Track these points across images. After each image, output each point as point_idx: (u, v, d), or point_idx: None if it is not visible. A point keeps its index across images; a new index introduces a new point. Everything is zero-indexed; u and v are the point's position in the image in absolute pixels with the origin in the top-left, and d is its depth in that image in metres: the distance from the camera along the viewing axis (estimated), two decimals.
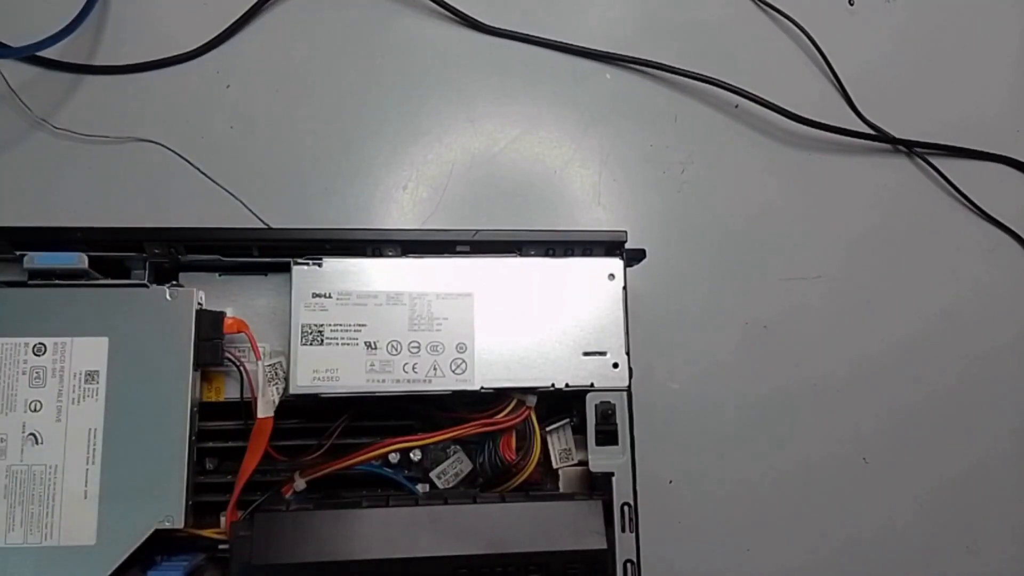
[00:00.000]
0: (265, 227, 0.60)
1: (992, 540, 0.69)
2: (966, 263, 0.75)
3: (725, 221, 0.72)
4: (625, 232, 0.55)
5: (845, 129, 0.75)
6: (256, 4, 0.71)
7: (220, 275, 0.54)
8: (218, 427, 0.52)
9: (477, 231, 0.54)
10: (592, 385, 0.53)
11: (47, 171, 0.66)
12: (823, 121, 0.74)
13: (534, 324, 0.53)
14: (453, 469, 0.55)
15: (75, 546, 0.47)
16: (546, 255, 0.55)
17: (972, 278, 0.75)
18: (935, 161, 0.76)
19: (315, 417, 0.53)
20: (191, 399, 0.50)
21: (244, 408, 0.52)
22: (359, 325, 0.51)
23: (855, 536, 0.68)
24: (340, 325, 0.51)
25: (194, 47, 0.70)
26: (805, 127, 0.74)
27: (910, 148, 0.77)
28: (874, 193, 0.75)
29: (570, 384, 0.53)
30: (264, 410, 0.51)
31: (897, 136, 0.76)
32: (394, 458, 0.53)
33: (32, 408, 0.49)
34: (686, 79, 0.74)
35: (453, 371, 0.52)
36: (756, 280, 0.72)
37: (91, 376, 0.49)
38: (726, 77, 0.73)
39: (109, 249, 0.51)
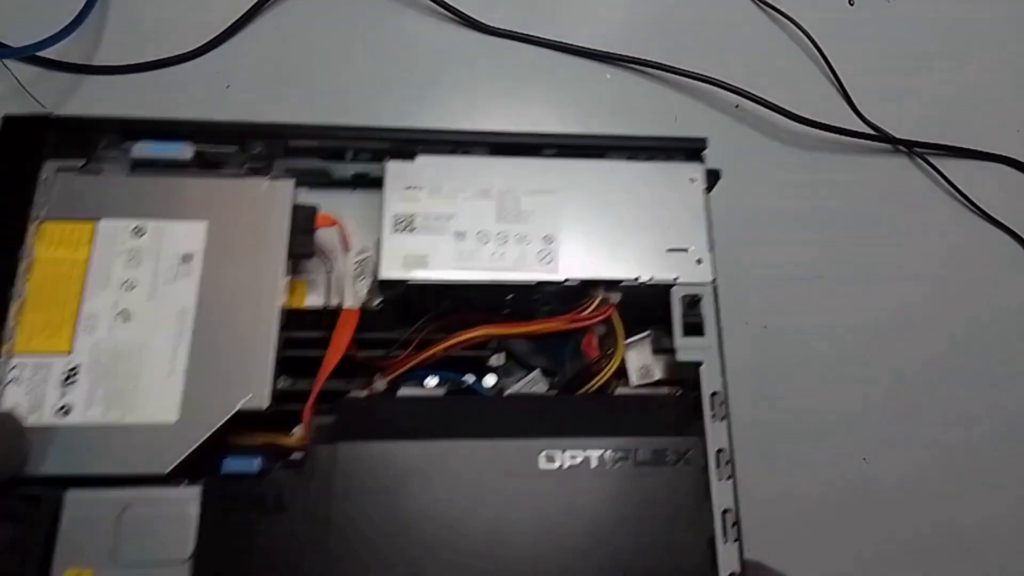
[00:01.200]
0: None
1: (992, 540, 0.69)
2: (966, 263, 0.75)
3: (725, 221, 0.72)
4: (705, 139, 0.57)
5: (845, 129, 0.75)
6: (256, 4, 0.71)
7: (309, 188, 0.54)
8: (297, 337, 0.51)
9: (562, 135, 0.55)
10: (676, 279, 0.53)
11: None
12: (823, 121, 0.74)
13: (618, 222, 0.53)
14: (529, 389, 0.54)
15: (155, 423, 0.45)
16: (629, 160, 0.56)
17: (972, 278, 0.75)
18: (935, 161, 0.76)
19: (400, 321, 0.53)
20: (282, 285, 0.50)
21: (327, 316, 0.51)
22: (449, 215, 0.52)
23: (855, 536, 0.68)
24: (431, 215, 0.52)
25: (194, 47, 0.70)
26: (805, 127, 0.74)
27: (910, 148, 0.77)
28: (874, 193, 0.75)
29: (655, 278, 0.53)
30: (350, 302, 0.52)
31: (897, 136, 0.76)
32: (497, 360, 0.53)
33: (126, 287, 0.48)
34: (686, 79, 0.74)
35: (539, 261, 0.52)
36: (756, 280, 0.72)
37: (187, 258, 0.49)
38: (726, 77, 0.73)
39: (211, 143, 0.52)
